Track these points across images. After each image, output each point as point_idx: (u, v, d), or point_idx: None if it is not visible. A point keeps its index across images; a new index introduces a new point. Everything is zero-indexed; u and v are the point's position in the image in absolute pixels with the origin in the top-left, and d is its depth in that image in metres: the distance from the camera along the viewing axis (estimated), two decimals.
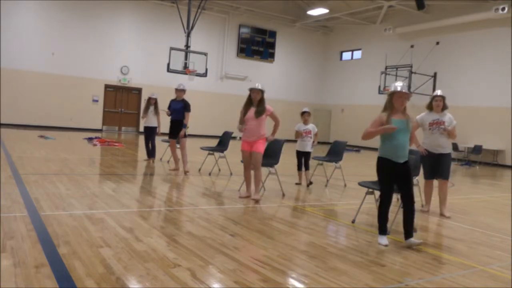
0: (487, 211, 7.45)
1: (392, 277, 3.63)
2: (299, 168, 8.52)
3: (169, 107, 9.13)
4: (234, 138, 9.46)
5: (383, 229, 4.68)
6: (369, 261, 4.02)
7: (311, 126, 8.50)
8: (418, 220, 5.94)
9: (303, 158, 8.46)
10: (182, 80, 18.25)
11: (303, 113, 8.43)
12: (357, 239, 4.85)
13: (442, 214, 6.43)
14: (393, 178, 4.67)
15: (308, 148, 8.48)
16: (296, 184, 8.52)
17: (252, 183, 6.83)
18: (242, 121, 6.63)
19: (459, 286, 3.57)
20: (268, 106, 6.60)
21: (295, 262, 3.88)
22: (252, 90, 6.55)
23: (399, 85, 4.65)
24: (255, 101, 6.56)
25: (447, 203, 6.57)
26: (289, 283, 3.39)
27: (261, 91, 6.55)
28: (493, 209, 7.79)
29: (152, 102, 10.45)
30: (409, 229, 4.59)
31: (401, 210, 6.02)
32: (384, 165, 4.67)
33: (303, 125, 8.45)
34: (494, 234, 5.59)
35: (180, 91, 8.99)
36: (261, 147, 6.63)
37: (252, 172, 6.78)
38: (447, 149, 6.48)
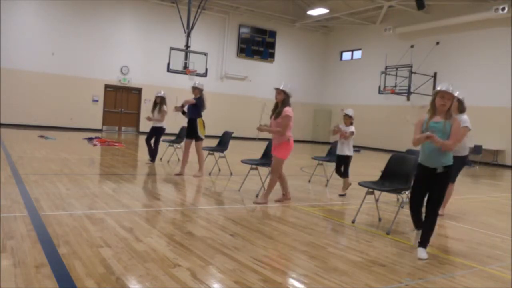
0: (487, 211, 7.45)
1: (392, 277, 3.63)
2: (337, 173, 7.93)
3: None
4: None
5: (415, 226, 4.65)
6: (369, 261, 4.02)
7: (348, 128, 7.81)
8: None
9: (340, 162, 7.86)
10: (182, 80, 18.35)
11: (343, 115, 7.96)
12: (357, 239, 4.85)
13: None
14: (423, 183, 4.38)
15: (346, 151, 7.78)
16: (340, 195, 7.73)
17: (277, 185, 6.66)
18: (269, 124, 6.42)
19: (459, 286, 3.57)
20: (287, 108, 6.26)
21: (295, 262, 3.88)
22: (275, 89, 6.36)
23: (442, 84, 4.32)
24: (279, 102, 6.34)
25: (446, 205, 6.38)
26: (289, 283, 3.39)
27: (282, 91, 6.27)
28: (493, 209, 7.79)
29: (158, 101, 10.10)
30: (423, 237, 4.31)
31: (402, 210, 6.06)
32: (417, 170, 4.47)
33: (343, 127, 7.84)
34: (494, 234, 5.59)
35: (193, 89, 8.79)
36: (282, 152, 6.36)
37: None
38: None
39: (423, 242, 4.30)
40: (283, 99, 6.32)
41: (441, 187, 4.33)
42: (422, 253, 4.24)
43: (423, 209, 4.52)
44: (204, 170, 8.86)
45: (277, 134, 6.35)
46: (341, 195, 7.69)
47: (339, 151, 7.90)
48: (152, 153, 10.24)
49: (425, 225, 4.36)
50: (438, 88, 4.30)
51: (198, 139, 8.68)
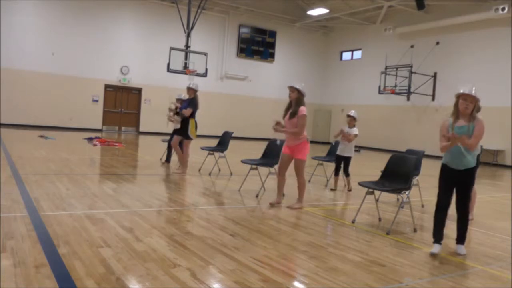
0: (487, 211, 7.44)
1: (392, 277, 3.63)
2: (336, 173, 8.09)
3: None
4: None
5: (435, 237, 4.52)
6: (369, 261, 4.02)
7: (352, 130, 7.97)
8: (418, 220, 5.95)
9: (342, 163, 8.03)
10: (182, 80, 18.33)
11: (347, 116, 8.04)
12: (357, 239, 4.85)
13: None
14: (450, 185, 4.45)
15: (347, 153, 7.99)
16: (331, 190, 8.08)
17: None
18: (282, 123, 6.24)
19: (459, 286, 3.57)
20: (303, 108, 6.12)
21: (295, 262, 3.88)
22: (288, 87, 6.19)
23: (464, 87, 4.30)
24: (292, 100, 6.17)
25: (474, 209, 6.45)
26: (289, 283, 3.38)
27: (296, 89, 6.11)
28: (493, 209, 7.79)
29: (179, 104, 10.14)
30: (460, 236, 4.51)
31: (402, 210, 6.06)
32: (442, 172, 4.50)
33: (346, 128, 8.01)
34: (494, 234, 5.59)
35: (188, 89, 8.82)
36: (303, 153, 6.23)
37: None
38: None
39: (461, 239, 4.51)
40: (297, 98, 6.16)
41: (467, 186, 4.44)
42: (461, 249, 4.47)
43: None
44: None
45: (294, 135, 6.17)
46: (349, 190, 7.98)
47: (340, 152, 8.07)
48: (170, 156, 10.30)
49: (460, 225, 4.52)
50: (461, 91, 4.29)
51: (187, 137, 8.76)
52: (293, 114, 6.12)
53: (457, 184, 4.42)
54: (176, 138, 8.93)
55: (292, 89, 6.17)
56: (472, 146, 4.25)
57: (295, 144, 6.21)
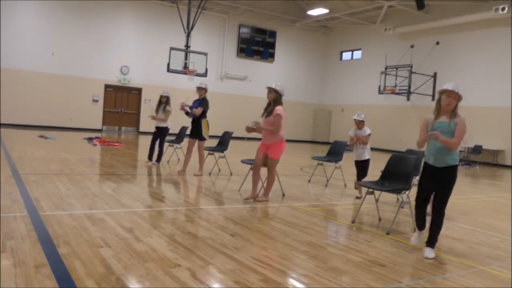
0: (487, 211, 7.45)
1: (392, 277, 3.63)
2: (358, 179, 7.52)
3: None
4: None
5: (417, 227, 4.70)
6: (369, 261, 4.02)
7: (363, 131, 7.57)
8: None
9: (360, 167, 7.57)
10: (182, 80, 18.36)
11: (355, 120, 7.57)
12: (357, 239, 4.85)
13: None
14: (429, 183, 4.42)
15: (365, 156, 7.58)
16: (357, 197, 7.54)
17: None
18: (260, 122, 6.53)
19: (459, 286, 3.57)
20: (278, 107, 6.36)
21: (295, 262, 3.88)
22: (266, 88, 6.51)
23: (448, 84, 4.32)
24: (270, 101, 6.48)
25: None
26: (289, 283, 3.39)
27: (273, 90, 6.40)
28: (493, 209, 7.79)
29: (163, 101, 9.98)
30: (430, 237, 4.33)
31: (402, 210, 6.06)
32: (423, 169, 4.53)
33: (355, 131, 7.58)
34: (494, 234, 5.59)
35: (199, 89, 8.73)
36: (276, 152, 6.47)
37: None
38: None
39: (431, 242, 4.33)
40: (274, 98, 6.45)
41: (446, 187, 4.33)
42: (429, 252, 4.27)
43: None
44: (204, 170, 8.87)
45: (269, 133, 6.43)
46: (358, 198, 7.47)
47: (358, 157, 7.62)
48: (152, 154, 10.17)
49: (432, 225, 4.39)
50: (444, 87, 4.30)
51: (201, 139, 8.68)
52: (270, 113, 6.41)
53: (437, 182, 4.34)
54: (190, 141, 8.77)
55: (269, 89, 6.47)
56: (454, 145, 4.23)
57: (271, 142, 6.48)
